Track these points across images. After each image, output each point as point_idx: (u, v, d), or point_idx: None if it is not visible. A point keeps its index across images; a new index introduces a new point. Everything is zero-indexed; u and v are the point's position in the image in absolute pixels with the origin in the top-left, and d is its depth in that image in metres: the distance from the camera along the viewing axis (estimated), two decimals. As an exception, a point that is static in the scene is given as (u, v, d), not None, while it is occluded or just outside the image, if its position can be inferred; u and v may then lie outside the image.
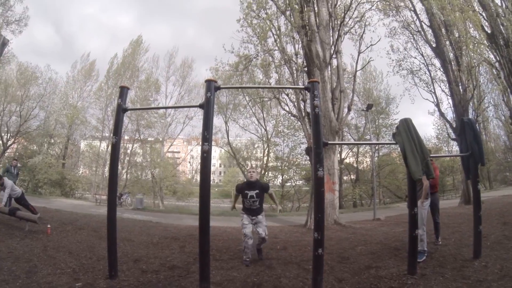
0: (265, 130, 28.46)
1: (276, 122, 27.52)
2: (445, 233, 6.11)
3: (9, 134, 28.08)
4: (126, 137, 29.32)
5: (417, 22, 16.74)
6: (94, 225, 8.44)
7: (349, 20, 11.94)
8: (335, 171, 10.52)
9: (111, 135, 4.31)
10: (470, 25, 15.00)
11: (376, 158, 25.36)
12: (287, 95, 12.82)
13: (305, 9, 11.88)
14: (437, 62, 16.86)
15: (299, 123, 13.42)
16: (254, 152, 32.06)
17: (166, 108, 32.63)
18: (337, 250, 5.73)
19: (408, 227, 3.97)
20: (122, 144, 28.22)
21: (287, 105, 13.98)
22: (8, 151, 28.41)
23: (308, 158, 15.79)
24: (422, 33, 16.61)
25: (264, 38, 12.28)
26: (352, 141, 28.01)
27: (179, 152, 57.33)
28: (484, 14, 15.31)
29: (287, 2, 11.98)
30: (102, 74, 32.16)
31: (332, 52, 11.65)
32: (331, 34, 11.90)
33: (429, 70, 17.28)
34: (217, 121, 27.90)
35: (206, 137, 3.85)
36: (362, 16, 12.07)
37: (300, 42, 12.36)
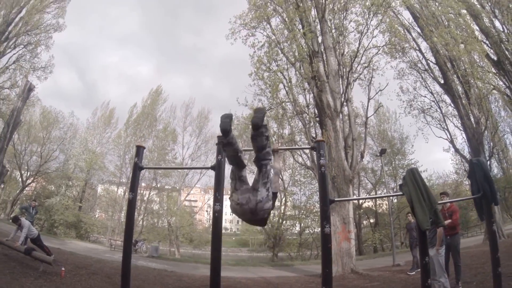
0: (282, 179, 28.43)
1: (292, 171, 27.58)
2: (467, 276, 5.86)
3: (28, 173, 29.23)
4: (143, 184, 29.72)
5: (423, 61, 17.15)
6: (108, 271, 8.49)
7: (357, 66, 12.30)
8: (350, 219, 10.39)
9: (128, 191, 4.53)
10: (475, 56, 15.12)
11: (395, 200, 24.74)
12: (313, 138, 13.03)
13: (314, 60, 12.43)
14: (447, 98, 16.92)
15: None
16: None
17: (179, 168, 32.98)
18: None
19: (420, 277, 3.92)
20: (139, 191, 29.08)
21: (301, 156, 14.11)
22: (26, 189, 29.48)
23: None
24: (429, 71, 16.91)
25: (276, 90, 12.69)
26: (370, 185, 27.55)
27: (196, 201, 57.65)
28: (488, 42, 15.57)
29: (297, 54, 12.61)
30: (121, 121, 33.39)
31: (342, 100, 11.96)
32: (340, 83, 12.26)
33: (439, 107, 17.38)
34: (230, 170, 27.99)
35: (218, 198, 4.07)
36: (369, 61, 12.38)
37: (311, 93, 12.81)
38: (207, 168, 4.73)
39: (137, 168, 4.64)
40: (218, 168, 4.19)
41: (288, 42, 13.21)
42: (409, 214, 9.48)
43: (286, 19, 13.28)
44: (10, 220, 8.92)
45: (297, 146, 12.87)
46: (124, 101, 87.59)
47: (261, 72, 13.13)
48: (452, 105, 16.54)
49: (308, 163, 12.69)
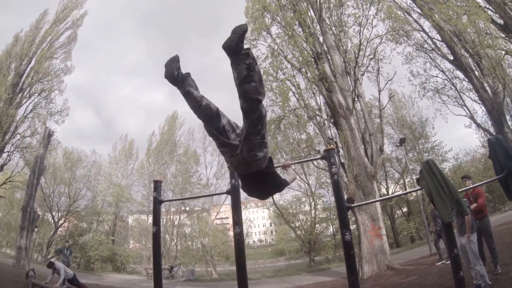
0: (308, 184, 28.19)
1: (318, 174, 27.33)
2: (506, 257, 5.53)
3: (59, 214, 30.32)
4: (172, 209, 30.40)
5: (429, 41, 16.74)
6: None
7: (363, 59, 12.07)
8: (379, 216, 10.15)
9: (152, 225, 4.67)
10: (481, 24, 14.53)
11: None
12: (318, 151, 12.86)
13: (319, 62, 12.34)
14: (460, 74, 16.45)
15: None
16: (301, 207, 31.59)
17: (197, 197, 33.01)
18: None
19: (452, 271, 3.73)
20: (169, 217, 29.62)
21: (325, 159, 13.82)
22: (59, 229, 30.55)
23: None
24: (437, 49, 16.52)
25: (286, 99, 12.61)
26: (397, 174, 26.87)
27: (227, 217, 58.01)
28: (491, 7, 15.03)
29: (300, 59, 12.56)
30: (141, 151, 34.40)
31: (353, 97, 11.77)
32: (349, 80, 12.09)
33: (453, 84, 16.88)
34: None
35: (236, 220, 4.12)
36: (374, 52, 12.15)
37: (321, 95, 12.69)
38: (222, 193, 4.79)
39: (157, 202, 4.82)
40: (233, 192, 4.26)
41: (291, 48, 13.20)
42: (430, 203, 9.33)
43: (285, 26, 13.27)
44: (46, 266, 9.39)
45: (306, 159, 12.65)
46: (142, 130, 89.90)
47: (269, 83, 13.11)
48: (466, 79, 16.05)
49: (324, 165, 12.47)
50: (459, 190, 4.20)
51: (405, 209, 27.24)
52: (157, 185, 5.08)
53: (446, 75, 16.88)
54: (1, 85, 21.72)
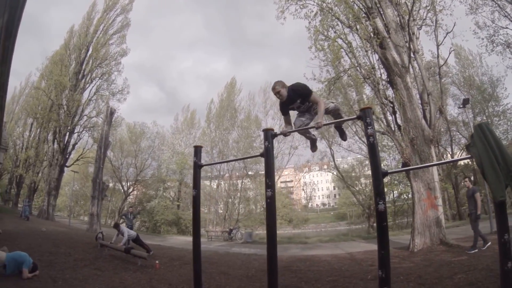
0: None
1: (380, 136, 25.91)
2: None
3: (128, 183, 33.36)
4: (237, 174, 31.63)
5: None
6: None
7: (418, 11, 10.82)
8: (435, 184, 9.26)
9: (193, 189, 4.79)
10: None
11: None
12: (373, 112, 11.96)
13: (370, 17, 11.32)
14: None
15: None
16: (363, 170, 30.62)
17: (232, 161, 32.74)
18: (432, 279, 5.02)
19: (499, 259, 3.07)
20: (232, 181, 30.60)
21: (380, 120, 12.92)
22: (129, 197, 33.77)
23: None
24: None
25: (337, 58, 11.93)
26: (464, 139, 24.41)
27: (291, 181, 58.77)
28: None
29: (350, 15, 11.61)
30: (203, 120, 35.64)
31: (409, 53, 10.65)
32: (404, 35, 10.95)
33: None
34: (322, 146, 27.71)
35: (269, 184, 3.98)
36: (431, 1, 10.70)
37: (374, 53, 11.72)
38: (256, 156, 4.68)
39: (197, 167, 4.89)
40: (266, 155, 4.12)
41: (339, 3, 12.23)
42: (466, 179, 8.22)
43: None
44: (112, 227, 10.56)
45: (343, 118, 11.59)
46: (205, 99, 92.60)
47: (321, 42, 12.38)
48: None
49: (382, 128, 11.60)
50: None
51: (472, 178, 24.85)
52: (197, 150, 5.09)
53: (519, 26, 14.35)
54: (64, 75, 23.92)
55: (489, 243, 7.24)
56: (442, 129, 22.82)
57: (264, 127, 4.47)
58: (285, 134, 4.23)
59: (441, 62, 10.58)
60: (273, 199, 3.98)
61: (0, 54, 6.79)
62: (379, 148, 20.64)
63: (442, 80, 14.76)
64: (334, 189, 63.68)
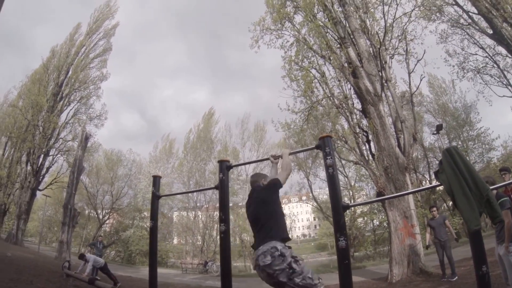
0: (346, 177, 27.07)
1: (357, 166, 26.11)
2: None
3: (104, 211, 32.10)
4: (217, 205, 30.72)
5: (465, 15, 15.04)
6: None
7: (390, 41, 11.13)
8: (412, 212, 9.08)
9: (150, 220, 4.69)
10: None
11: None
12: (346, 142, 11.96)
13: (343, 46, 11.56)
14: (502, 50, 14.55)
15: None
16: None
17: (189, 192, 34.00)
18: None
19: None
20: (209, 213, 30.13)
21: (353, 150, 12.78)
22: (105, 225, 32.60)
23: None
24: (474, 24, 14.84)
25: (310, 88, 11.97)
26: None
27: None
28: None
29: (324, 45, 11.82)
30: (181, 150, 34.99)
31: (382, 82, 10.82)
32: (376, 64, 11.15)
33: (495, 62, 15.18)
34: (298, 177, 28.07)
35: (222, 218, 3.74)
36: (403, 32, 11.06)
37: (347, 83, 11.90)
38: (211, 188, 4.44)
39: (155, 198, 4.65)
40: (221, 187, 3.90)
41: (314, 35, 12.49)
42: (434, 209, 7.84)
43: (305, 10, 12.60)
44: (78, 257, 10.05)
45: (300, 149, 11.66)
46: (185, 130, 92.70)
47: (295, 73, 12.56)
48: (510, 55, 14.20)
49: (355, 157, 11.54)
50: (493, 187, 3.16)
51: (450, 203, 25.12)
52: (156, 180, 4.94)
53: (487, 52, 15.21)
54: (42, 95, 23.39)
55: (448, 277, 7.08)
56: (419, 156, 23.26)
57: (242, 159, 4.21)
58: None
59: (414, 89, 10.73)
60: (227, 233, 3.72)
61: None
62: (357, 178, 20.61)
63: (417, 109, 15.14)
64: (314, 219, 63.54)
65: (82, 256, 9.63)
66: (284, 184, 3.22)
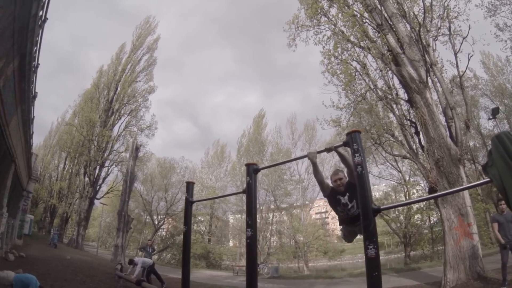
0: (400, 172, 25.55)
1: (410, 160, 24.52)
2: None
3: (159, 217, 33.50)
4: (272, 206, 31.42)
5: None
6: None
7: (431, 21, 10.23)
8: (468, 209, 8.15)
9: (184, 225, 4.74)
10: None
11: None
12: (392, 135, 11.23)
13: (381, 33, 10.89)
14: None
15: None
16: (398, 197, 28.99)
17: (217, 198, 32.96)
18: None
19: None
20: (263, 215, 30.35)
21: (400, 143, 11.52)
22: (160, 230, 34.12)
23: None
24: None
25: (352, 80, 11.50)
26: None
27: (326, 211, 57.51)
28: None
29: (358, 35, 11.24)
30: (234, 154, 35.85)
31: (427, 67, 9.96)
32: (419, 48, 10.30)
33: None
34: None
35: (249, 223, 3.61)
36: (445, 9, 10.02)
37: (388, 72, 11.21)
38: (239, 193, 4.34)
39: (188, 203, 4.69)
40: (248, 191, 3.77)
41: (348, 26, 11.96)
42: (502, 202, 6.39)
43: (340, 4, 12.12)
44: (127, 263, 10.70)
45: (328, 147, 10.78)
46: (238, 133, 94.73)
47: (335, 67, 12.07)
48: None
49: (404, 151, 10.77)
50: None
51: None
52: (189, 186, 4.98)
53: (542, 21, 13.20)
54: (94, 112, 25.30)
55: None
56: (477, 145, 21.20)
57: (247, 165, 4.08)
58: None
59: (463, 71, 9.72)
60: (253, 239, 3.57)
61: (18, 95, 7.31)
62: (412, 172, 18.93)
63: (472, 93, 13.71)
64: (371, 217, 61.25)
65: (131, 261, 10.20)
66: None
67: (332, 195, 3.56)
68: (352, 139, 3.08)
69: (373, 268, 2.60)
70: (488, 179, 2.49)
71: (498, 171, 2.33)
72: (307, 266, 27.86)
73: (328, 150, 3.43)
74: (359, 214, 3.05)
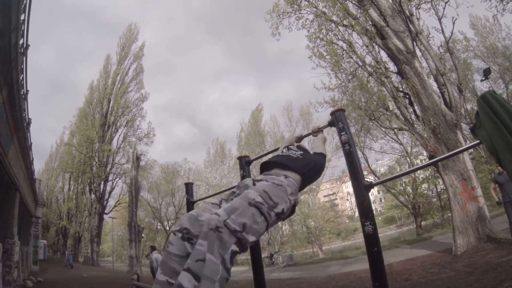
0: (401, 144, 25.53)
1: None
2: None
3: (170, 222, 33.79)
4: None
5: None
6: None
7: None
8: (470, 173, 8.11)
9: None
10: None
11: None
12: (386, 109, 11.18)
13: (363, 9, 10.80)
14: None
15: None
16: (402, 169, 29.00)
17: (217, 194, 32.55)
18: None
19: None
20: None
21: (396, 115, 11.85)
22: (171, 237, 34.25)
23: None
24: None
25: (337, 60, 11.46)
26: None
27: (334, 193, 57.75)
28: None
29: (343, 11, 11.14)
30: (235, 149, 35.93)
31: (413, 36, 9.86)
32: (402, 19, 10.18)
33: None
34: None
35: None
36: None
37: (375, 46, 11.16)
38: (234, 187, 4.30)
39: (189, 203, 4.68)
40: (243, 184, 3.76)
41: (331, 5, 11.87)
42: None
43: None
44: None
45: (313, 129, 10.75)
46: (238, 127, 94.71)
47: (321, 48, 12.14)
48: None
49: (400, 123, 10.76)
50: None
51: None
52: (188, 187, 4.90)
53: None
54: (91, 129, 25.29)
55: None
56: (474, 108, 21.07)
57: (239, 158, 4.05)
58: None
59: (449, 35, 9.62)
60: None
61: (11, 124, 7.33)
62: (413, 143, 18.67)
63: (464, 55, 13.54)
64: (379, 193, 61.53)
65: (153, 248, 11.06)
66: None
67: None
68: (336, 118, 3.03)
69: (373, 244, 2.53)
70: (478, 141, 2.33)
71: (486, 132, 2.20)
72: (321, 250, 28.18)
73: (314, 133, 3.37)
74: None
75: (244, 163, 3.83)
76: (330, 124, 3.23)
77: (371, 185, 2.77)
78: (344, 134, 2.92)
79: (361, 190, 2.72)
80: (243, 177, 3.76)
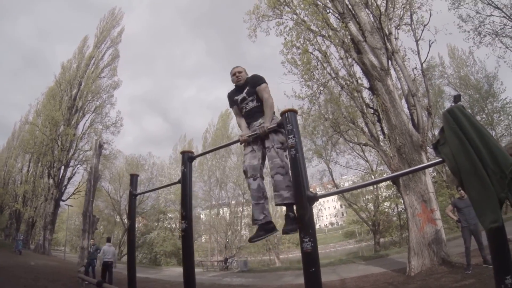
0: (367, 161, 26.01)
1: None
2: None
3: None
4: (233, 202, 31.69)
5: None
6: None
7: (394, 10, 10.29)
8: (431, 195, 8.16)
9: (127, 219, 4.80)
10: None
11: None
12: (353, 123, 11.20)
13: (342, 22, 10.80)
14: None
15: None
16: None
17: (158, 188, 31.87)
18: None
19: None
20: (232, 209, 30.13)
21: (362, 131, 11.58)
22: (129, 230, 33.45)
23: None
24: None
25: (310, 70, 11.38)
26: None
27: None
28: None
29: (322, 21, 11.09)
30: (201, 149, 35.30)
31: (388, 54, 9.92)
32: (381, 36, 10.23)
33: None
34: (321, 165, 27.08)
35: (183, 214, 3.28)
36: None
37: (349, 59, 11.17)
38: (175, 183, 4.00)
39: (132, 196, 4.37)
40: (183, 181, 3.43)
41: (309, 13, 11.83)
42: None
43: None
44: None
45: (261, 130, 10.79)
46: (208, 125, 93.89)
47: (296, 56, 11.93)
48: None
49: (365, 139, 10.81)
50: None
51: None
52: (133, 178, 4.68)
53: (504, 12, 13.81)
54: (56, 110, 23.96)
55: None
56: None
57: (182, 153, 3.78)
58: (246, 141, 3.19)
59: (424, 58, 9.77)
60: (188, 231, 3.20)
61: None
62: (379, 161, 18.97)
63: (438, 82, 13.91)
64: (341, 207, 62.76)
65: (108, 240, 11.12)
66: None
67: (232, 96, 3.53)
68: (286, 119, 2.76)
69: (311, 263, 2.27)
70: (441, 159, 2.17)
71: (450, 150, 2.03)
72: (278, 258, 28.28)
73: (262, 133, 3.10)
74: (257, 106, 3.29)
75: (187, 159, 3.55)
76: (279, 125, 2.98)
77: (315, 197, 2.53)
78: (292, 138, 2.65)
79: (304, 201, 2.46)
80: (183, 173, 3.46)
